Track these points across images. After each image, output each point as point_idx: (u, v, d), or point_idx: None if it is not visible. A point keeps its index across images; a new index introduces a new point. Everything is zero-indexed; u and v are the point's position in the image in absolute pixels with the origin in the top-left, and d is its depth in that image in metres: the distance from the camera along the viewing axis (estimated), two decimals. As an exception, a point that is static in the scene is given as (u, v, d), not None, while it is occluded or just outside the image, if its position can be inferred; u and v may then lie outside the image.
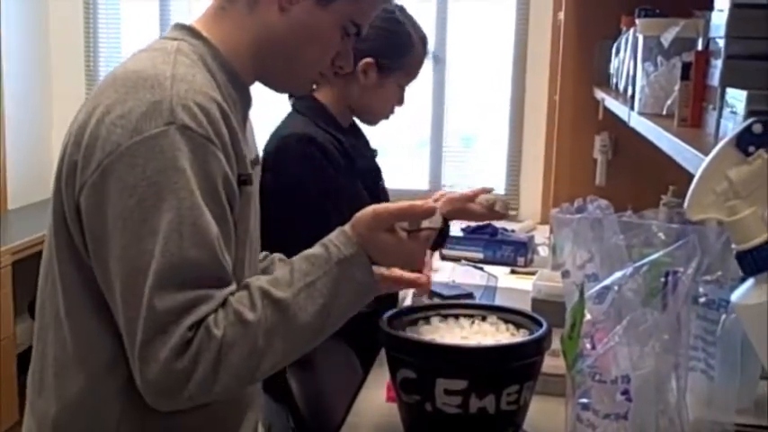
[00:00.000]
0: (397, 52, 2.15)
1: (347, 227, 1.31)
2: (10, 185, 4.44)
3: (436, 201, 2.28)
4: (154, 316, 1.15)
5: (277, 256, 1.62)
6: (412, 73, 2.22)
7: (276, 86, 1.42)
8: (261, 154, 1.98)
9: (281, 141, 2.02)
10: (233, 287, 1.24)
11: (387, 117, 2.26)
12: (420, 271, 1.53)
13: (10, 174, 4.43)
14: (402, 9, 2.15)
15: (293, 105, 2.15)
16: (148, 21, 4.73)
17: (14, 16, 4.46)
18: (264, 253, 1.60)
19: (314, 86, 1.59)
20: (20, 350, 3.87)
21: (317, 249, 1.29)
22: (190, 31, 1.32)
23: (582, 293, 1.06)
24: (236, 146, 1.27)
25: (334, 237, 1.30)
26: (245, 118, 1.37)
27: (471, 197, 2.30)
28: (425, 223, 1.30)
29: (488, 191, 2.34)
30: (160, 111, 1.17)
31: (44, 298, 1.33)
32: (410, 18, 2.18)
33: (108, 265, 1.19)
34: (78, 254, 1.25)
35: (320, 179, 2.00)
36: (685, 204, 0.88)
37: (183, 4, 4.73)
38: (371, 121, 2.25)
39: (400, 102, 2.25)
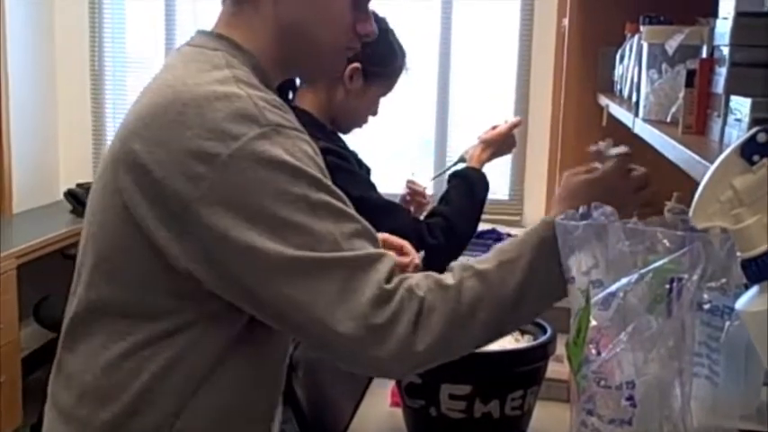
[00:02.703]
0: (382, 61, 2.19)
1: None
2: (15, 189, 4.45)
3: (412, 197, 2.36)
4: (340, 271, 1.15)
5: None
6: (391, 84, 2.28)
7: (307, 75, 1.45)
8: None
9: None
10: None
11: (361, 126, 2.30)
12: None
13: (15, 177, 4.45)
14: (385, 20, 2.17)
15: None
16: (154, 23, 4.74)
17: (20, 19, 4.48)
18: None
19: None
20: (24, 354, 3.88)
21: (519, 234, 1.32)
22: (224, 39, 1.33)
23: (588, 299, 1.06)
24: None
25: (538, 223, 1.32)
26: None
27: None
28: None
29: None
30: (249, 116, 1.18)
31: (84, 292, 1.31)
32: (392, 30, 2.21)
33: (244, 261, 1.17)
34: (156, 254, 1.22)
35: (355, 179, 2.06)
36: (690, 212, 0.89)
37: (188, 5, 4.74)
38: (346, 128, 2.28)
39: (375, 112, 2.30)
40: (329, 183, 1.22)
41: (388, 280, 1.18)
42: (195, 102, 1.19)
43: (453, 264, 1.28)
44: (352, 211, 1.22)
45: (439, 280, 1.22)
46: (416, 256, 1.52)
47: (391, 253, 1.23)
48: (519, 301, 1.24)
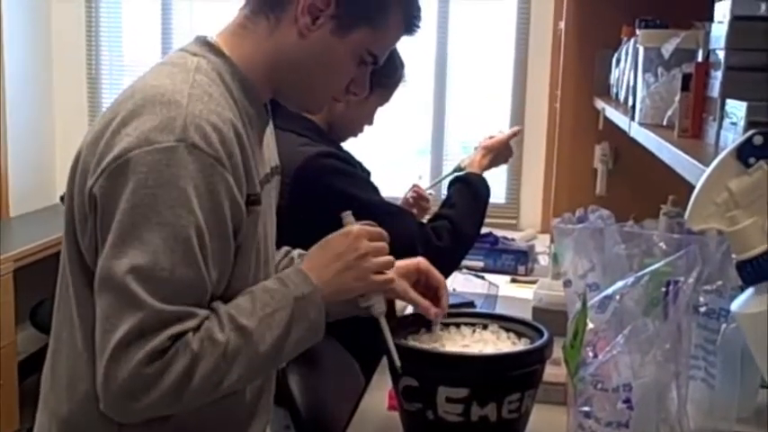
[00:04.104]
0: (384, 71, 2.17)
1: (302, 266, 1.36)
2: (12, 193, 4.44)
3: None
4: (141, 319, 1.16)
5: (295, 251, 1.65)
6: (390, 94, 2.27)
7: (290, 104, 1.45)
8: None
9: (305, 163, 2.01)
10: (208, 310, 1.26)
11: (356, 135, 2.30)
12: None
13: (12, 181, 4.44)
14: None
15: (279, 125, 2.15)
16: (150, 27, 4.73)
17: (17, 22, 4.47)
18: (285, 248, 1.64)
19: None
20: (21, 358, 3.87)
21: (275, 284, 1.32)
22: (211, 46, 1.33)
23: (584, 303, 1.07)
24: (247, 166, 1.28)
25: (292, 274, 1.34)
26: (261, 134, 1.39)
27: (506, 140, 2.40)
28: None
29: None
30: (172, 127, 1.19)
31: (60, 297, 1.35)
32: None
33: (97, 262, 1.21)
34: (84, 258, 1.27)
35: (358, 183, 2.05)
36: (686, 215, 0.89)
37: (184, 10, 4.74)
38: (343, 137, 2.28)
39: (372, 122, 2.30)
40: (209, 226, 1.21)
41: (178, 337, 1.19)
42: (143, 101, 1.22)
43: (220, 309, 1.27)
44: (202, 264, 1.21)
45: (210, 331, 1.22)
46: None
47: (201, 312, 1.23)
48: (276, 353, 1.28)
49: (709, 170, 0.87)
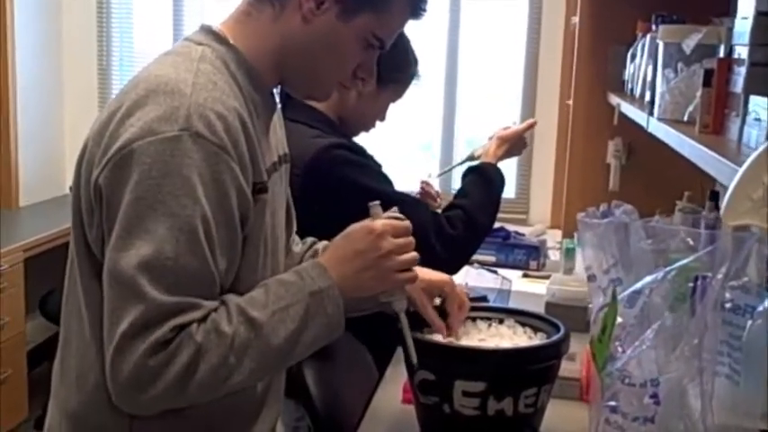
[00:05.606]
0: (397, 67, 2.17)
1: (321, 259, 1.34)
2: (22, 183, 4.45)
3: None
4: (143, 312, 1.16)
5: (321, 243, 1.65)
6: (403, 91, 2.26)
7: (296, 92, 1.45)
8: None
9: (317, 155, 2.01)
10: (218, 302, 1.25)
11: (368, 130, 2.29)
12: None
13: (22, 171, 4.44)
14: None
15: (290, 117, 2.14)
16: (161, 18, 4.73)
17: (28, 13, 4.47)
18: (311, 239, 1.65)
19: None
20: (30, 347, 3.88)
21: (291, 277, 1.30)
22: (215, 35, 1.33)
23: (614, 297, 1.06)
24: (252, 155, 1.27)
25: (310, 267, 1.32)
26: (267, 122, 1.38)
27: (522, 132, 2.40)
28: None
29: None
30: (176, 116, 1.19)
31: (69, 288, 1.35)
32: (407, 37, 2.20)
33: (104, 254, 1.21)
34: (91, 250, 1.27)
35: (370, 173, 2.05)
36: (722, 210, 0.89)
37: (195, 1, 4.73)
38: (354, 131, 2.27)
39: (384, 118, 2.29)
40: (215, 215, 1.20)
41: (182, 328, 1.18)
42: (146, 92, 1.22)
43: (230, 302, 1.25)
44: (209, 254, 1.20)
45: (217, 323, 1.21)
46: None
47: (207, 304, 1.21)
48: (291, 348, 1.26)
49: (744, 166, 0.87)
